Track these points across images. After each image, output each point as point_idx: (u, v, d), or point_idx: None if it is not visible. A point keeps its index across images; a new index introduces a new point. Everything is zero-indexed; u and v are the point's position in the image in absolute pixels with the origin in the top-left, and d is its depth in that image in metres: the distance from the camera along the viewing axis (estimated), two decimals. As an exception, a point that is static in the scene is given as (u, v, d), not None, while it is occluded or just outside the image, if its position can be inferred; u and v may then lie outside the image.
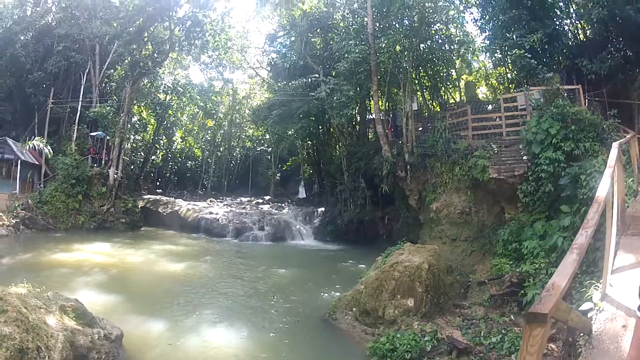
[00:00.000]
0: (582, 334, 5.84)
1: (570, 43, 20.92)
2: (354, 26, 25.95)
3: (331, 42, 28.18)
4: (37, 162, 27.94)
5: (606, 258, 5.26)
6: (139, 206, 30.44)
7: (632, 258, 5.83)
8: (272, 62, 37.05)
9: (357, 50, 22.19)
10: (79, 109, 29.83)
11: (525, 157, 13.47)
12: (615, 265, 5.57)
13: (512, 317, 10.39)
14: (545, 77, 14.77)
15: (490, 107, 21.91)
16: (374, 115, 24.66)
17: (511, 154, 14.42)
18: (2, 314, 6.54)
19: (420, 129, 22.04)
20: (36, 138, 26.82)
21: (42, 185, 27.09)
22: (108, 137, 29.81)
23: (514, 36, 18.13)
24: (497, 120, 17.35)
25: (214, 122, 50.30)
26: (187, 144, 50.54)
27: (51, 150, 26.84)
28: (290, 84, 29.45)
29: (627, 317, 4.64)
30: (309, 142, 37.49)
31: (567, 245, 10.06)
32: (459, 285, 13.57)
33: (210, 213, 30.67)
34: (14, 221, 21.49)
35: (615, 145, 6.39)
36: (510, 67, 23.30)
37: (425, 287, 11.11)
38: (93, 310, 9.33)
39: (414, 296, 10.94)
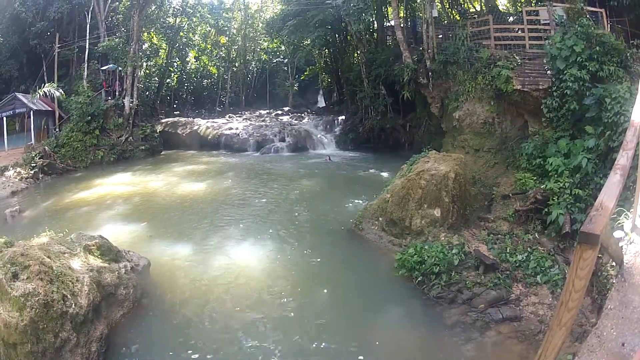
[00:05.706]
0: (612, 264, 5.76)
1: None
2: None
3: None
4: (50, 108, 27.49)
5: (638, 187, 5.00)
6: (158, 131, 30.11)
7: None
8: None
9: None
10: (86, 46, 29.39)
11: (549, 72, 13.17)
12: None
13: (537, 235, 10.47)
14: (570, -4, 13.93)
15: (511, 19, 21.03)
16: (392, 22, 23.92)
17: (535, 67, 14.12)
18: (25, 271, 6.44)
19: (441, 36, 21.40)
20: (46, 84, 26.30)
21: (57, 130, 26.40)
22: (120, 68, 29.35)
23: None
24: (519, 32, 16.72)
25: (227, 38, 48.99)
26: (202, 63, 49.70)
27: (63, 93, 26.46)
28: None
29: None
30: (326, 50, 36.71)
31: (592, 167, 10.17)
32: (482, 197, 13.40)
33: (230, 129, 30.59)
34: (32, 172, 20.84)
35: None
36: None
37: (452, 197, 10.93)
38: (118, 243, 9.30)
39: (440, 206, 10.79)
